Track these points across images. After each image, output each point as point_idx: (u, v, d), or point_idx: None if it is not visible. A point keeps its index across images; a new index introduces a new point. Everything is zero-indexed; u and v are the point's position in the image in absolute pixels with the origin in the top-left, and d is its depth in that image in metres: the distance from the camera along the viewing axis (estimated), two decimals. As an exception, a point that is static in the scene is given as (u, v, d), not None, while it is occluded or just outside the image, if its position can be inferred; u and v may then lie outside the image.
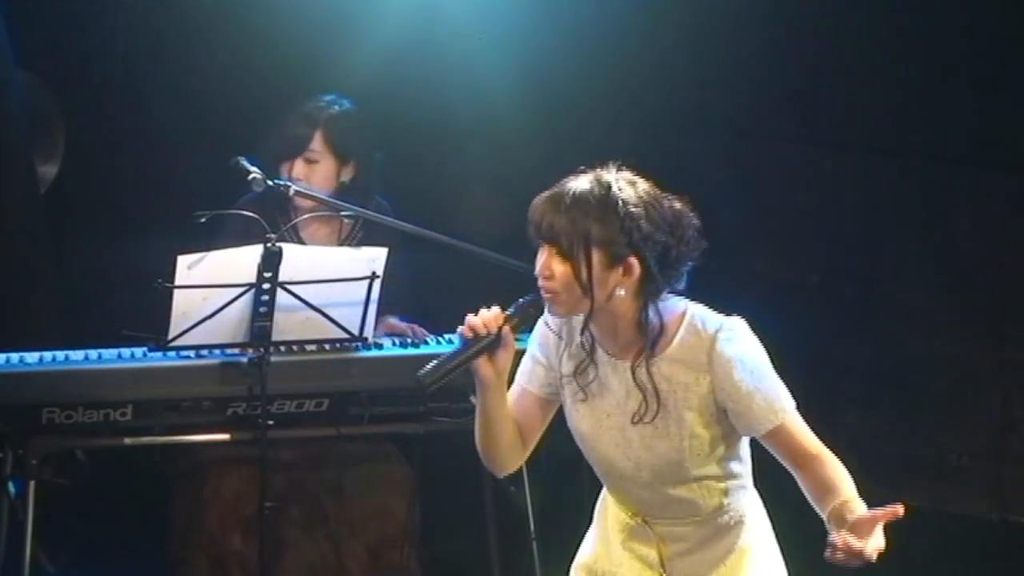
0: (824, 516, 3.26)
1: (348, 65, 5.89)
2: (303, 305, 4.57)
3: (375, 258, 4.57)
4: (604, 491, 3.58)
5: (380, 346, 4.86)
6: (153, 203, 5.84)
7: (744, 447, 3.44)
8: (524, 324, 3.36)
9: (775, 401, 3.31)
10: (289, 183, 4.82)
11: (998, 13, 5.77)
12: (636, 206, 3.25)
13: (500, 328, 3.31)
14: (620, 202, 3.24)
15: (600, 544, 3.57)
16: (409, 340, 4.92)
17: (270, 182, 4.77)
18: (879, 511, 3.16)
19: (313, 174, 5.00)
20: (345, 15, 5.96)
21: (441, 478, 5.30)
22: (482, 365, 3.33)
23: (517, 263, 4.49)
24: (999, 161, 5.97)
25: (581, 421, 3.43)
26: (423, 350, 4.88)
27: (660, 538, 3.45)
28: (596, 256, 3.24)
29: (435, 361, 3.33)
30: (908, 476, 6.02)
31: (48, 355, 4.72)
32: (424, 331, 4.98)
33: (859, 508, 3.22)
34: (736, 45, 6.03)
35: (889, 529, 3.21)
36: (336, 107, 5.06)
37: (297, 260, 4.53)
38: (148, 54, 6.03)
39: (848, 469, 3.33)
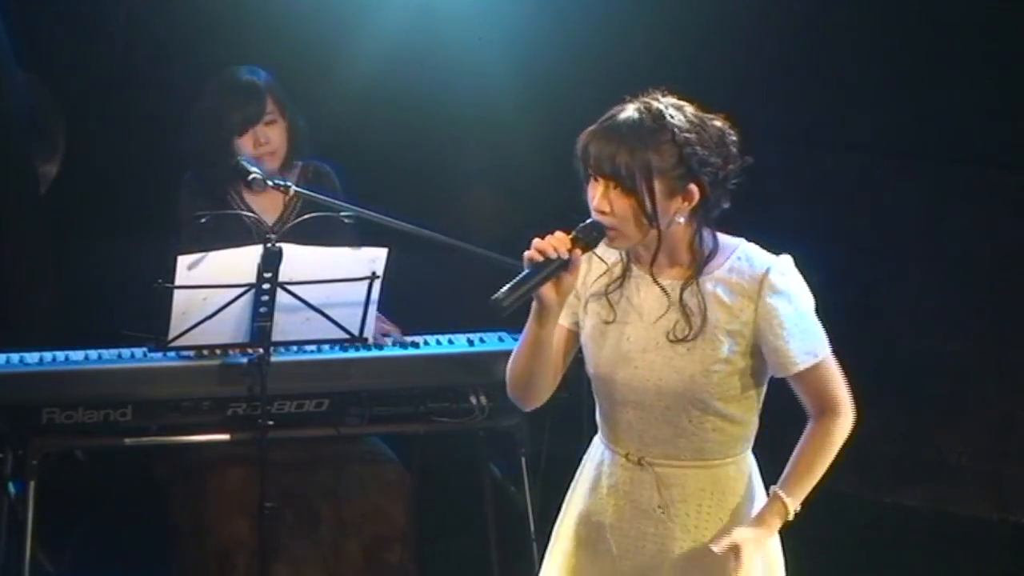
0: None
1: (348, 65, 5.90)
2: (303, 305, 4.57)
3: (375, 258, 4.57)
4: (594, 442, 3.53)
5: (380, 346, 4.86)
6: (154, 203, 5.83)
7: (759, 402, 3.41)
8: (588, 247, 3.31)
9: (813, 343, 3.33)
10: (289, 184, 4.82)
11: (998, 13, 5.78)
12: (689, 132, 3.25)
13: (570, 251, 3.27)
14: (676, 129, 3.24)
15: (587, 493, 3.51)
16: (409, 341, 4.91)
17: (270, 183, 4.77)
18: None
19: (275, 135, 5.00)
20: (345, 15, 5.96)
21: (441, 478, 5.30)
22: (547, 289, 3.27)
23: (516, 263, 4.48)
24: (998, 161, 5.97)
25: (602, 342, 3.40)
26: (423, 350, 4.88)
27: (658, 479, 3.41)
28: (658, 186, 3.24)
29: (508, 284, 3.25)
30: (908, 476, 6.02)
31: (48, 355, 4.71)
32: (399, 333, 4.96)
33: (771, 516, 3.33)
34: (736, 46, 6.03)
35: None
36: (261, 72, 5.08)
37: (297, 260, 4.53)
38: (148, 54, 6.03)
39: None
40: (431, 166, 6.19)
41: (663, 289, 3.35)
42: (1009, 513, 6.02)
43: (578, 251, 3.27)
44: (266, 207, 5.03)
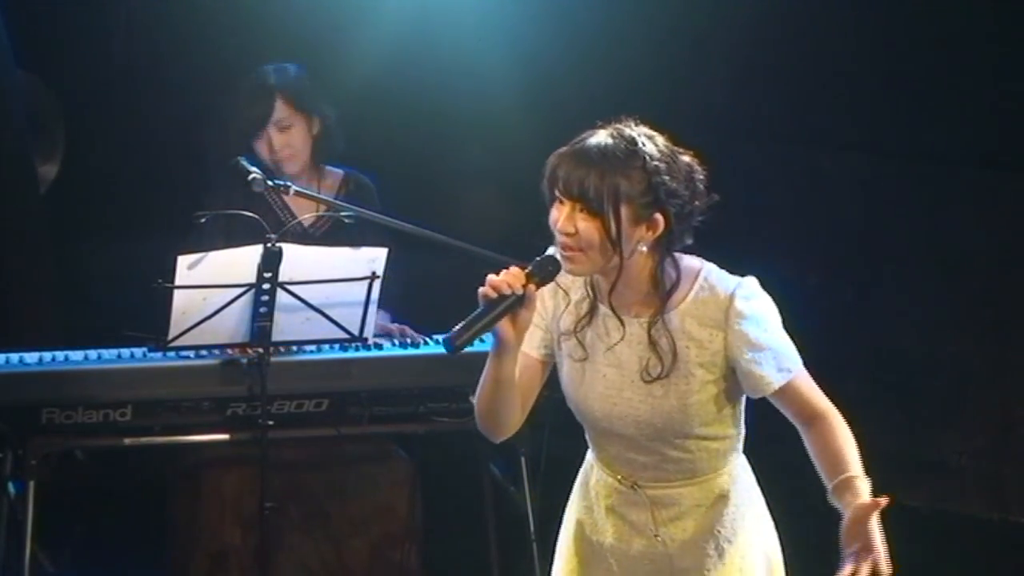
0: (828, 487, 3.27)
1: (348, 65, 5.90)
2: (303, 305, 4.57)
3: (375, 258, 4.57)
4: (587, 461, 3.55)
5: (380, 346, 4.86)
6: (153, 203, 5.84)
7: (741, 414, 3.42)
8: (544, 282, 3.30)
9: (785, 360, 3.32)
10: (289, 184, 4.80)
11: (998, 13, 5.78)
12: (660, 161, 3.23)
13: (525, 287, 3.25)
14: (647, 157, 3.22)
15: (584, 514, 3.53)
16: (408, 340, 4.91)
17: (270, 182, 4.75)
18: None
19: (292, 139, 4.97)
20: (345, 16, 5.96)
21: (441, 478, 5.30)
22: (504, 325, 3.26)
23: (516, 262, 4.48)
24: (999, 161, 5.97)
25: (580, 380, 3.40)
26: (423, 350, 4.88)
27: (652, 502, 3.43)
28: (624, 212, 3.22)
29: (461, 323, 3.24)
30: (908, 476, 6.02)
31: (48, 355, 4.72)
32: (413, 332, 4.97)
33: (862, 490, 3.23)
34: (735, 45, 6.03)
35: (890, 529, 3.21)
36: (284, 71, 5.02)
37: (297, 260, 4.53)
38: (148, 54, 6.03)
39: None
40: (431, 166, 6.19)
41: (629, 327, 3.34)
42: (1009, 513, 6.01)
43: (532, 286, 3.26)
44: (301, 209, 5.02)
